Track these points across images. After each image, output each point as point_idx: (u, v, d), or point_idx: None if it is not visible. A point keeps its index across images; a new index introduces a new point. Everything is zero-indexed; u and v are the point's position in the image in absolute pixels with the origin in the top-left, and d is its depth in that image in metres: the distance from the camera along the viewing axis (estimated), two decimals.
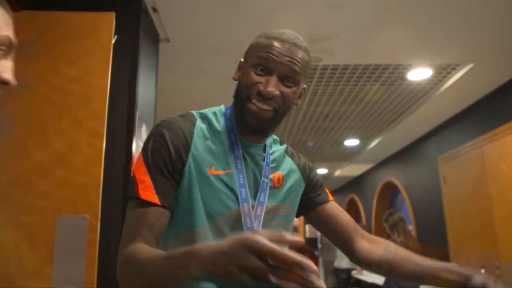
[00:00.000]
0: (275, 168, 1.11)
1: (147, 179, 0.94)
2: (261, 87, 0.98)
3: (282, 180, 1.11)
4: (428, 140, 5.41)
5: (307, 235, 11.11)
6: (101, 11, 1.93)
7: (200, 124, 1.03)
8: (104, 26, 1.65)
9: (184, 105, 4.16)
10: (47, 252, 1.45)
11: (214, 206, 0.98)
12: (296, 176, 1.16)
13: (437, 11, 2.66)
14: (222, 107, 1.12)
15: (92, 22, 1.65)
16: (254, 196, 1.04)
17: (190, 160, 0.97)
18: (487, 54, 3.28)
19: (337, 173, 8.59)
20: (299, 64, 1.01)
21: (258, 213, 1.02)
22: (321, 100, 4.35)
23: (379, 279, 4.75)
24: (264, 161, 1.08)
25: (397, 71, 3.62)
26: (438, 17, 2.75)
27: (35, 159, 1.51)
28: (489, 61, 3.41)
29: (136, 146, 2.20)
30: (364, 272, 6.21)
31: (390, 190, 7.29)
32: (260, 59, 0.99)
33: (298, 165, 1.18)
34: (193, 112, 1.07)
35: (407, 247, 3.83)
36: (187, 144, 0.98)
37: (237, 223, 0.99)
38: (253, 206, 1.01)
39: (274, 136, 1.21)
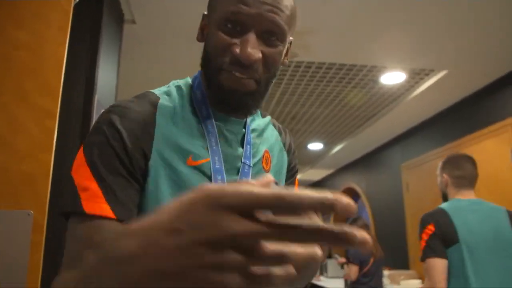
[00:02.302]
0: (260, 145, 0.89)
1: (92, 184, 0.67)
2: (236, 51, 0.72)
3: (270, 162, 0.90)
4: (392, 147, 5.40)
5: None
6: None
7: (164, 103, 0.79)
8: None
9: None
10: None
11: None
12: (283, 155, 0.95)
13: (417, 15, 2.59)
14: (188, 78, 0.88)
15: None
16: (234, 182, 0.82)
17: (155, 152, 0.73)
18: (462, 61, 3.25)
19: (298, 177, 8.48)
20: (284, 14, 0.74)
21: None
22: (290, 100, 4.19)
23: (336, 285, 4.64)
24: (244, 139, 0.85)
25: (371, 74, 3.52)
26: (417, 21, 2.68)
27: None
28: (463, 69, 3.38)
29: None
30: (321, 277, 6.12)
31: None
32: (229, 13, 0.73)
33: (284, 143, 0.97)
34: (153, 90, 0.82)
35: (371, 253, 3.74)
36: (148, 131, 0.74)
37: None
38: None
39: None
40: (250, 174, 0.84)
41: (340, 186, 7.30)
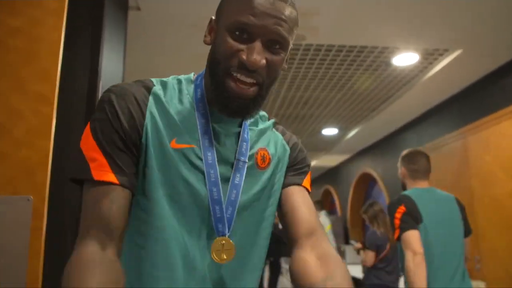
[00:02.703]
0: (257, 143, 0.93)
1: (99, 156, 0.77)
2: (243, 57, 0.79)
3: (268, 160, 0.93)
4: (408, 131, 5.29)
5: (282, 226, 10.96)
6: None
7: (158, 91, 0.85)
8: None
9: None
10: None
11: (177, 187, 0.81)
12: (285, 156, 0.98)
13: None
14: (192, 74, 0.94)
15: None
16: (227, 179, 0.87)
17: (146, 131, 0.81)
18: (477, 40, 3.13)
19: (313, 163, 8.44)
20: (287, 25, 0.81)
21: (232, 197, 0.86)
22: (301, 84, 4.13)
23: (358, 273, 4.61)
24: (239, 137, 0.90)
25: (383, 55, 3.43)
26: (429, 1, 2.57)
27: None
28: (478, 48, 3.27)
29: None
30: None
31: (366, 182, 7.19)
32: (238, 21, 0.79)
33: (288, 142, 1.00)
34: (152, 79, 0.89)
35: (388, 238, 3.69)
36: (141, 111, 0.81)
37: (205, 211, 0.84)
38: (226, 190, 0.86)
39: (262, 112, 1.02)
40: (245, 169, 0.88)
41: (356, 172, 7.23)
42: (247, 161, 0.89)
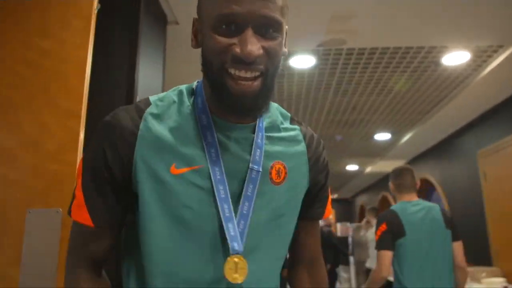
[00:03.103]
0: (275, 154, 0.84)
1: (79, 194, 0.79)
2: (237, 50, 0.71)
3: (284, 174, 0.84)
4: (466, 133, 5.00)
5: (339, 233, 10.74)
6: None
7: (152, 112, 0.79)
8: None
9: None
10: (14, 251, 1.26)
11: (180, 216, 0.76)
12: (304, 171, 0.89)
13: None
14: (194, 83, 0.87)
15: None
16: (238, 193, 0.80)
17: (135, 164, 0.75)
18: None
19: (368, 169, 8.20)
20: (275, 5, 0.73)
21: (244, 211, 0.79)
22: (347, 89, 4.04)
23: None
24: (253, 144, 0.81)
25: (431, 55, 3.28)
26: None
27: (1, 144, 1.32)
28: None
29: None
30: None
31: (425, 188, 6.86)
32: (222, 14, 0.71)
33: (310, 158, 0.90)
34: (150, 97, 0.83)
35: None
36: (129, 146, 0.76)
37: (216, 232, 0.78)
38: (237, 204, 0.79)
39: (282, 110, 0.94)
40: (258, 180, 0.80)
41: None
42: (260, 170, 0.81)
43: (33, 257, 1.25)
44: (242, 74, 0.72)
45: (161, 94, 0.85)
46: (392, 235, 2.38)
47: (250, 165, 0.80)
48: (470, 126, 4.87)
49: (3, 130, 1.33)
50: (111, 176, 0.77)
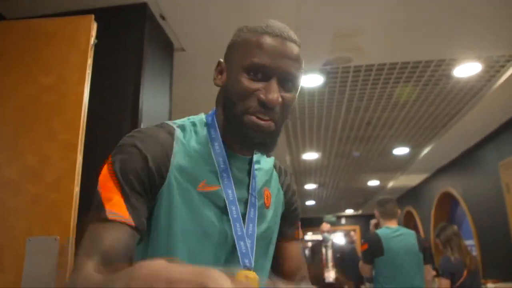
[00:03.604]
0: (262, 182, 0.96)
1: (116, 196, 0.76)
2: (262, 96, 0.81)
3: (270, 199, 0.97)
4: (486, 145, 4.88)
5: None
6: (104, 19, 1.83)
7: (179, 135, 0.87)
8: (82, 30, 1.51)
9: (207, 112, 4.00)
10: (15, 275, 1.31)
11: (204, 228, 0.83)
12: (280, 196, 1.02)
13: None
14: (203, 115, 0.95)
15: (70, 26, 1.52)
16: (244, 215, 0.89)
17: (171, 176, 0.81)
18: None
19: (390, 184, 8.06)
20: (297, 64, 0.85)
21: (250, 231, 0.88)
22: (359, 106, 4.03)
23: None
24: (250, 174, 0.93)
25: (441, 68, 3.25)
26: (483, 1, 2.39)
27: (5, 174, 1.39)
28: None
29: None
30: None
31: (449, 202, 6.69)
32: (254, 61, 0.82)
33: (282, 185, 1.04)
34: (169, 122, 0.90)
35: (464, 264, 3.38)
36: (167, 157, 0.82)
37: (229, 248, 0.86)
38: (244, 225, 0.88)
39: None
40: (257, 204, 0.91)
41: (436, 192, 6.77)
42: (256, 197, 0.92)
43: (32, 281, 1.30)
44: (262, 116, 0.82)
45: (177, 121, 0.91)
46: (372, 253, 3.09)
47: (250, 191, 0.90)
48: (490, 138, 4.76)
49: (6, 161, 1.39)
50: (149, 183, 0.79)
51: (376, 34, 2.71)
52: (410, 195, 8.55)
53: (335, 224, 12.80)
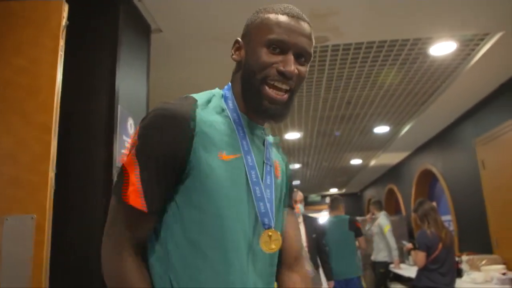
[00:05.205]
0: (274, 156, 1.07)
1: (136, 179, 0.85)
2: (281, 67, 0.92)
3: (280, 172, 1.07)
4: (463, 122, 4.99)
5: None
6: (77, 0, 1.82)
7: (202, 108, 0.93)
8: (53, 12, 1.51)
9: (185, 94, 3.99)
10: None
11: (229, 192, 0.90)
12: (284, 170, 1.12)
13: None
14: (218, 89, 1.04)
15: (41, 8, 1.52)
16: (262, 179, 0.98)
17: (196, 148, 0.88)
18: None
19: (372, 163, 8.20)
20: (310, 42, 0.97)
21: (268, 195, 0.96)
22: (339, 85, 4.08)
23: (414, 273, 4.42)
24: (264, 144, 1.02)
25: (417, 47, 3.30)
26: None
27: None
28: None
29: (120, 141, 2.08)
30: (402, 265, 5.86)
31: (428, 179, 6.85)
32: (273, 37, 0.93)
33: (283, 159, 1.14)
34: (191, 95, 0.96)
35: (439, 238, 3.51)
36: (190, 130, 0.87)
37: (251, 209, 0.93)
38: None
39: None
40: (272, 172, 1.01)
41: (416, 169, 6.92)
42: (272, 166, 1.02)
43: (10, 258, 1.34)
44: (280, 85, 0.93)
45: (200, 94, 0.98)
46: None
47: (265, 160, 1.00)
48: (468, 115, 4.86)
49: None
50: (173, 160, 0.86)
51: (353, 13, 2.73)
52: (392, 173, 8.72)
53: (320, 204, 13.02)
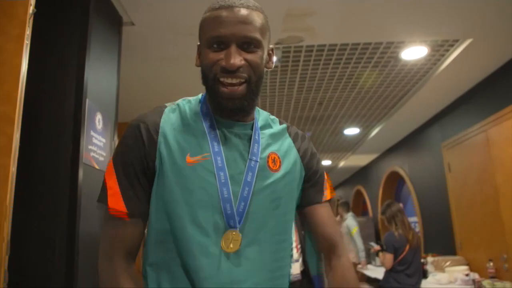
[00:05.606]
0: (269, 147, 1.02)
1: (115, 185, 0.91)
2: (223, 63, 0.90)
3: (279, 163, 1.02)
4: (431, 126, 5.11)
5: None
6: None
7: (169, 114, 0.97)
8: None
9: (157, 91, 3.89)
10: None
11: (194, 195, 0.91)
12: (295, 160, 1.05)
13: None
14: (200, 95, 1.05)
15: None
16: (239, 178, 0.95)
17: (160, 153, 0.92)
18: (488, 27, 2.98)
19: (341, 164, 8.30)
20: (253, 26, 0.92)
21: (245, 194, 0.95)
22: (311, 86, 4.08)
23: (381, 274, 4.49)
24: (251, 139, 0.99)
25: (389, 50, 3.34)
26: None
27: None
28: (490, 35, 3.10)
29: (87, 136, 1.99)
30: (369, 266, 5.95)
31: (395, 180, 6.99)
32: (212, 36, 0.92)
33: (299, 149, 1.08)
34: (167, 104, 1.02)
35: (406, 240, 3.57)
36: (153, 138, 0.92)
37: (220, 209, 0.93)
38: (237, 189, 0.94)
39: (271, 116, 1.13)
40: (257, 168, 0.96)
41: (384, 171, 7.05)
42: (258, 160, 0.97)
43: None
44: (229, 80, 0.91)
45: (174, 102, 1.02)
46: None
47: (249, 156, 0.97)
48: (434, 119, 4.98)
49: None
50: (142, 166, 0.92)
51: (328, 15, 2.73)
52: (360, 175, 8.86)
53: None
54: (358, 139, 6.32)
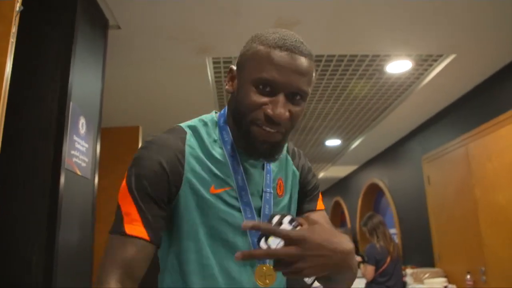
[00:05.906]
0: (277, 174, 1.01)
1: (133, 211, 0.83)
2: (269, 111, 0.85)
3: (283, 188, 1.02)
4: (411, 139, 5.18)
5: None
6: None
7: (191, 139, 0.92)
8: None
9: (141, 96, 3.84)
10: None
11: (218, 228, 0.89)
12: (295, 179, 1.07)
13: None
14: (214, 115, 1.00)
15: None
16: (259, 210, 0.94)
17: (185, 183, 0.88)
18: (471, 44, 3.04)
19: (321, 175, 8.33)
20: (306, 78, 0.87)
21: None
22: None
23: (362, 285, 4.49)
24: (263, 169, 0.98)
25: (375, 63, 3.37)
26: (417, 4, 2.50)
27: None
28: (473, 52, 3.17)
29: (70, 141, 1.92)
30: None
31: (374, 192, 7.05)
32: (262, 76, 0.85)
33: (297, 167, 1.08)
34: (181, 125, 0.96)
35: (387, 251, 3.58)
36: (180, 165, 0.88)
37: (246, 242, 0.91)
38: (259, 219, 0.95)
39: None
40: (272, 199, 0.96)
41: (364, 183, 7.10)
42: (272, 191, 0.97)
43: None
44: (269, 129, 0.86)
45: (189, 123, 0.97)
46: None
47: (264, 188, 0.96)
48: (415, 132, 5.05)
49: None
50: (164, 194, 0.86)
51: (315, 26, 2.73)
52: (339, 186, 8.91)
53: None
54: (339, 151, 6.35)
